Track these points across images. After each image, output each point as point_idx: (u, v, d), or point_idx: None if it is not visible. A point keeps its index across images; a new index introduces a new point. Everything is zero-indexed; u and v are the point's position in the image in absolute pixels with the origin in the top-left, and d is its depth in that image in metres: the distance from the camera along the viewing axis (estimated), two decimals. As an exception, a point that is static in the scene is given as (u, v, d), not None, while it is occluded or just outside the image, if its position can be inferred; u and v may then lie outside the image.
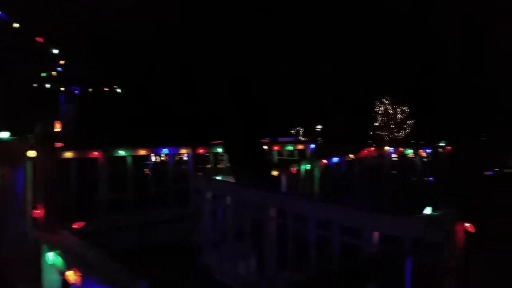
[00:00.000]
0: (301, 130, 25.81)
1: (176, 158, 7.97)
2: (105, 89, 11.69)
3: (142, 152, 7.15)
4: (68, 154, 6.36)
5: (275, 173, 6.62)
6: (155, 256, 5.59)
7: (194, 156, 7.65)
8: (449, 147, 9.71)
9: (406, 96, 22.90)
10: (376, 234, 3.50)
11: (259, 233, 4.70)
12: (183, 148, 7.66)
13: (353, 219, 3.72)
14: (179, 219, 6.36)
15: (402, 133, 24.73)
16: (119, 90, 11.85)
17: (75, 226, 4.75)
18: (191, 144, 7.64)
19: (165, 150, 7.45)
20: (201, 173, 7.04)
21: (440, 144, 9.78)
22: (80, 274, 2.53)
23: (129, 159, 6.89)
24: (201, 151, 7.82)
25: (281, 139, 10.58)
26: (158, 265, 5.26)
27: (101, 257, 2.60)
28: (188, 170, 7.57)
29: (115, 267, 2.35)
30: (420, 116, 22.26)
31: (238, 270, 4.93)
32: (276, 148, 8.91)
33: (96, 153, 6.65)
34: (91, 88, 10.92)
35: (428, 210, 3.42)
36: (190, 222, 5.93)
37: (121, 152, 6.88)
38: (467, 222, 3.08)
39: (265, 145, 8.74)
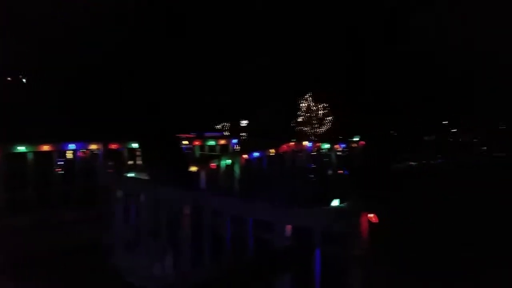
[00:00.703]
0: (227, 125, 25.83)
1: (86, 153, 7.42)
2: (8, 78, 10.60)
3: (46, 147, 6.54)
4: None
5: (194, 168, 6.46)
6: (61, 259, 5.17)
7: (106, 152, 7.17)
8: (362, 142, 10.24)
9: (327, 93, 23.96)
10: (288, 227, 3.52)
11: (174, 231, 4.53)
12: (93, 144, 7.13)
13: (265, 213, 3.70)
14: (88, 219, 5.93)
15: (323, 129, 25.84)
16: (24, 80, 10.79)
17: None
18: (103, 139, 7.14)
19: (72, 146, 6.88)
20: (111, 170, 6.64)
21: (354, 139, 10.28)
22: None
23: (30, 155, 6.27)
24: (114, 146, 7.35)
25: (208, 134, 10.44)
26: (63, 269, 4.88)
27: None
28: (99, 166, 7.09)
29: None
30: (339, 112, 23.45)
31: (152, 270, 4.70)
32: (197, 143, 8.72)
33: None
34: None
35: (335, 202, 3.51)
36: (99, 222, 5.55)
37: (21, 148, 6.22)
38: (371, 213, 3.19)
39: (186, 140, 8.52)
